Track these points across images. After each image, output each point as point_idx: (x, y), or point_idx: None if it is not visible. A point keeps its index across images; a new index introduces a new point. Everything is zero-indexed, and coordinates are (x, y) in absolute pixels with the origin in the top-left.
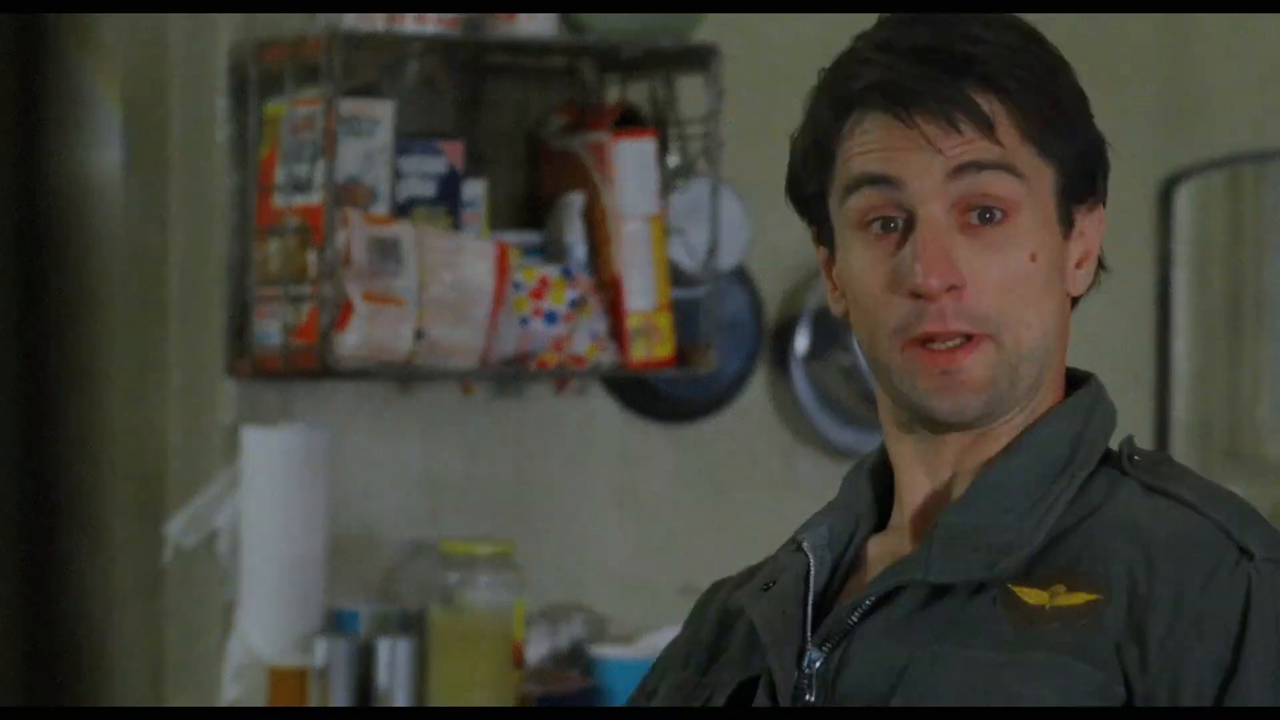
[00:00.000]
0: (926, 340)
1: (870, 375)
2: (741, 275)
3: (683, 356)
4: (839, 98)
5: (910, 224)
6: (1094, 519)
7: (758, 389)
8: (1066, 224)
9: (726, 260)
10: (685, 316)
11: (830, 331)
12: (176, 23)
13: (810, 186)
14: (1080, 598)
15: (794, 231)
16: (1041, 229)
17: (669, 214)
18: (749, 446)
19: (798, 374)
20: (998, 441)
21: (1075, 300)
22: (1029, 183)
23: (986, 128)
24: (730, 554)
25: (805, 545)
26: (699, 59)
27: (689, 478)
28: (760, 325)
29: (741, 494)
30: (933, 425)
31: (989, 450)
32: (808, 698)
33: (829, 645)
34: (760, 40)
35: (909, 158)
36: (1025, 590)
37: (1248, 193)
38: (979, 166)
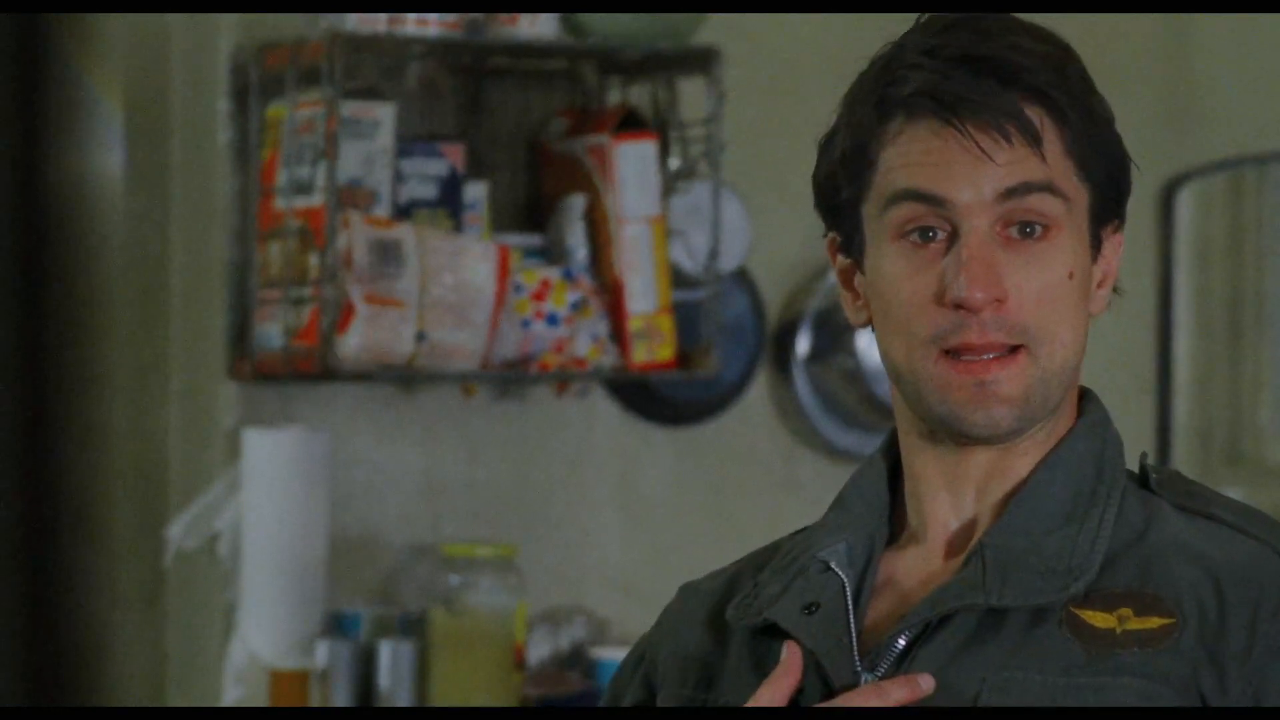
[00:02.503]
0: (961, 351)
1: (895, 386)
2: (743, 277)
3: (684, 359)
4: (884, 103)
5: (953, 235)
6: (1144, 541)
7: (759, 391)
8: (1095, 245)
9: (728, 262)
10: (686, 319)
11: (831, 334)
12: (178, 25)
13: (844, 194)
14: (1155, 621)
15: (795, 234)
16: (1078, 247)
17: (670, 216)
18: (750, 449)
19: (799, 376)
20: (1021, 459)
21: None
22: (1070, 203)
23: (1035, 141)
24: (731, 556)
25: (833, 565)
26: (700, 61)
27: (690, 480)
28: (761, 328)
29: (742, 496)
30: (960, 439)
31: (1014, 468)
32: None
33: (879, 670)
34: (761, 43)
35: (956, 170)
36: (1089, 614)
37: (1249, 195)
38: (1028, 189)
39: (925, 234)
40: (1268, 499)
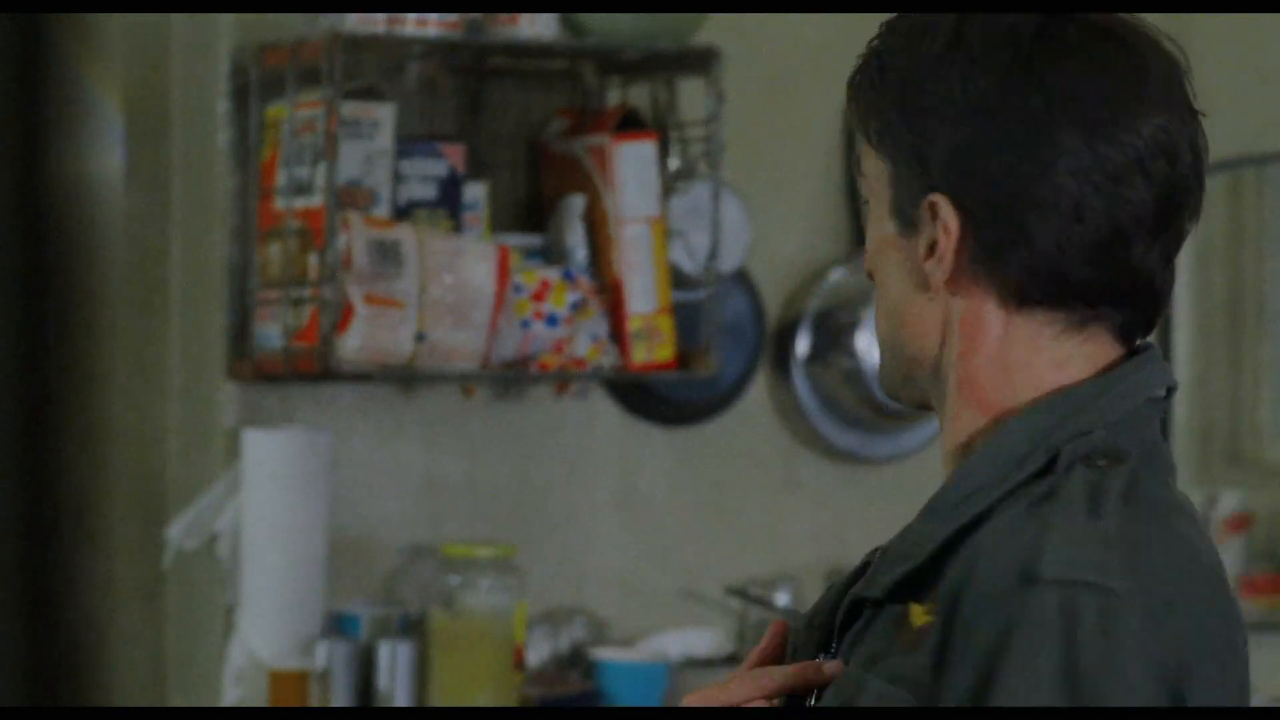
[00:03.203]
0: None
1: None
2: (742, 278)
3: (683, 359)
4: None
5: None
6: (980, 533)
7: (758, 392)
8: (902, 220)
9: (727, 263)
10: (686, 319)
11: (831, 334)
12: (178, 26)
13: None
14: (926, 620)
15: (794, 234)
16: (879, 223)
17: (670, 217)
18: (750, 449)
19: (798, 377)
20: (953, 435)
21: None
22: (867, 180)
23: (858, 127)
24: (731, 557)
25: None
26: (700, 62)
27: (690, 481)
28: (761, 328)
29: (742, 497)
30: None
31: (951, 446)
32: (811, 700)
33: (831, 650)
34: (761, 43)
35: None
36: (915, 607)
37: (1248, 196)
38: (856, 166)
39: None
40: (1268, 499)
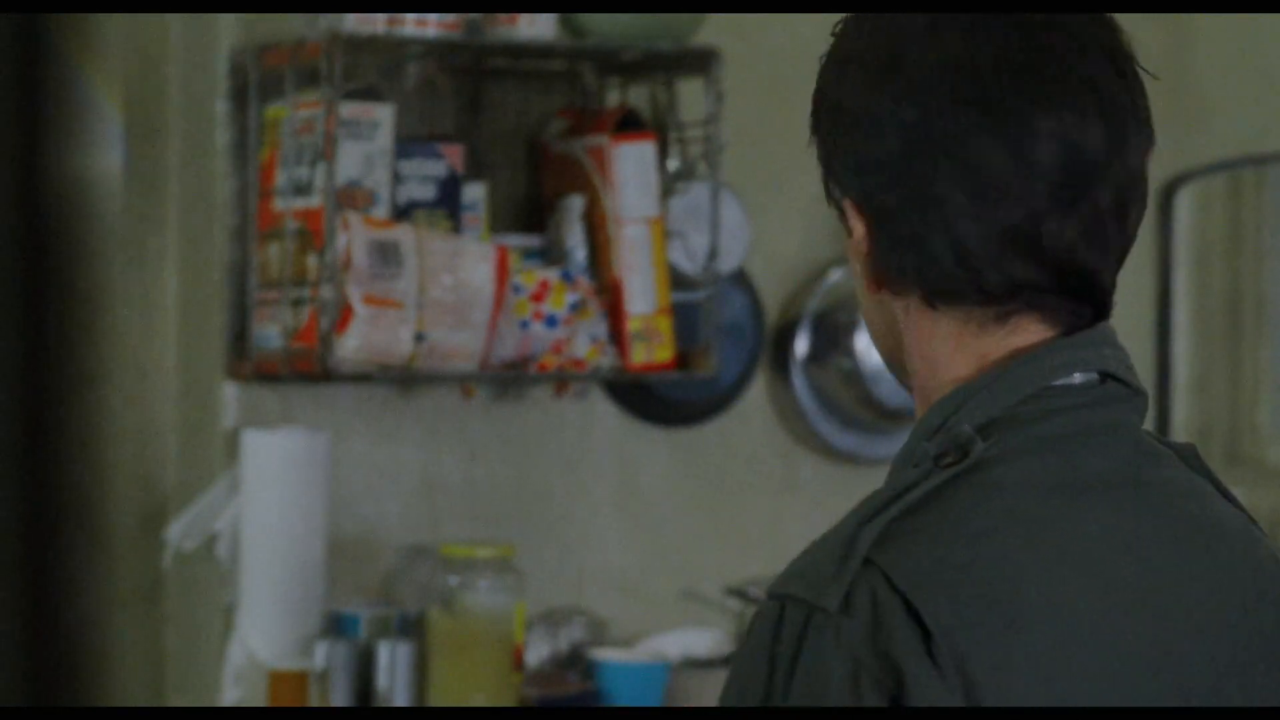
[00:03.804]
0: None
1: None
2: (742, 279)
3: (683, 360)
4: None
5: None
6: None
7: (758, 392)
8: (841, 217)
9: (727, 263)
10: (685, 320)
11: (830, 335)
12: (177, 26)
13: None
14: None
15: (794, 235)
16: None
17: (669, 217)
18: (749, 450)
19: (798, 377)
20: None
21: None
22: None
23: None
24: (730, 557)
25: None
26: (699, 62)
27: (689, 481)
28: (760, 329)
29: (741, 497)
30: None
31: None
32: None
33: None
34: (760, 43)
35: None
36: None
37: (1248, 196)
38: None
39: None
40: (1267, 499)
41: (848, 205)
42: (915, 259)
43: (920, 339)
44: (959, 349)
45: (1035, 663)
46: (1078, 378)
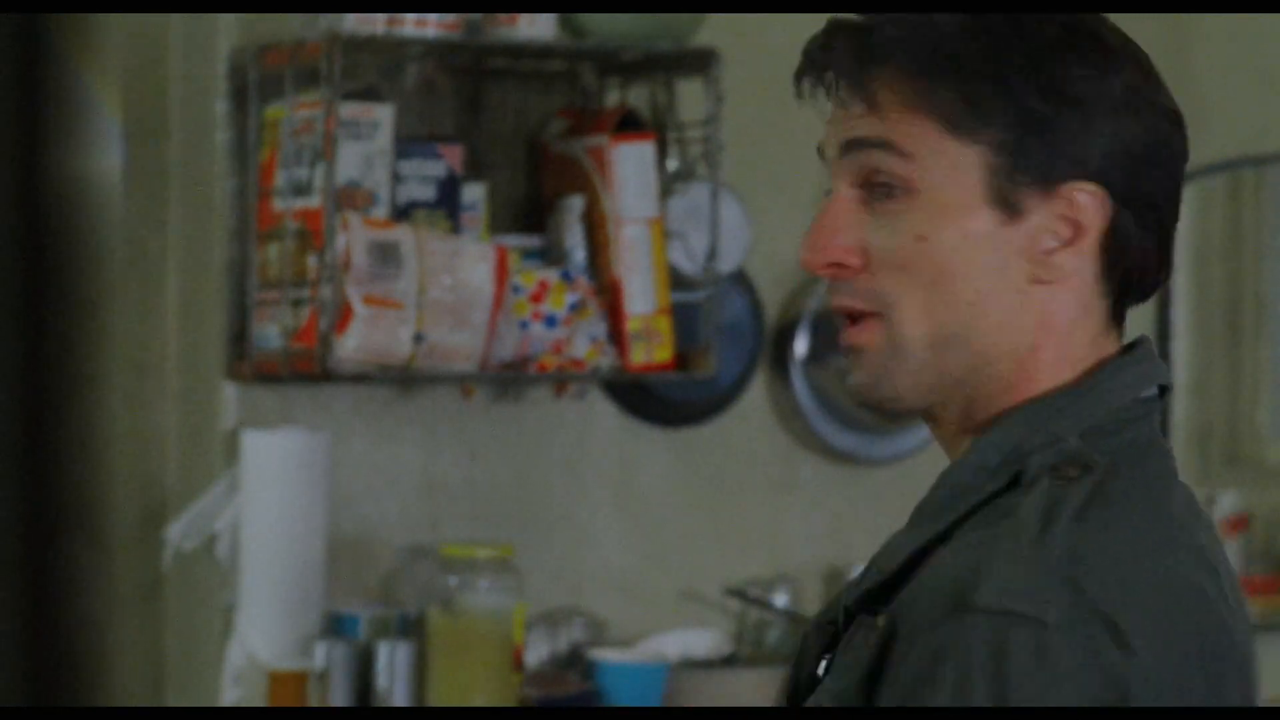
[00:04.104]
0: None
1: None
2: (741, 279)
3: (682, 360)
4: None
5: None
6: (945, 547)
7: (757, 393)
8: (1005, 208)
9: (726, 264)
10: (685, 320)
11: (830, 335)
12: (176, 26)
13: None
14: (871, 640)
15: (793, 235)
16: (945, 212)
17: (668, 217)
18: (748, 450)
19: (797, 378)
20: (955, 441)
21: (1137, 295)
22: (921, 162)
23: (866, 101)
24: (730, 558)
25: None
26: (698, 63)
27: (688, 481)
28: (760, 329)
29: (741, 497)
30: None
31: (952, 452)
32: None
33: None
34: (760, 44)
35: (827, 128)
36: (876, 620)
37: (1247, 197)
38: (859, 144)
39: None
40: (1266, 499)
41: (1094, 191)
42: (1155, 246)
43: (1067, 334)
44: (1093, 345)
45: (1207, 673)
46: (1152, 390)
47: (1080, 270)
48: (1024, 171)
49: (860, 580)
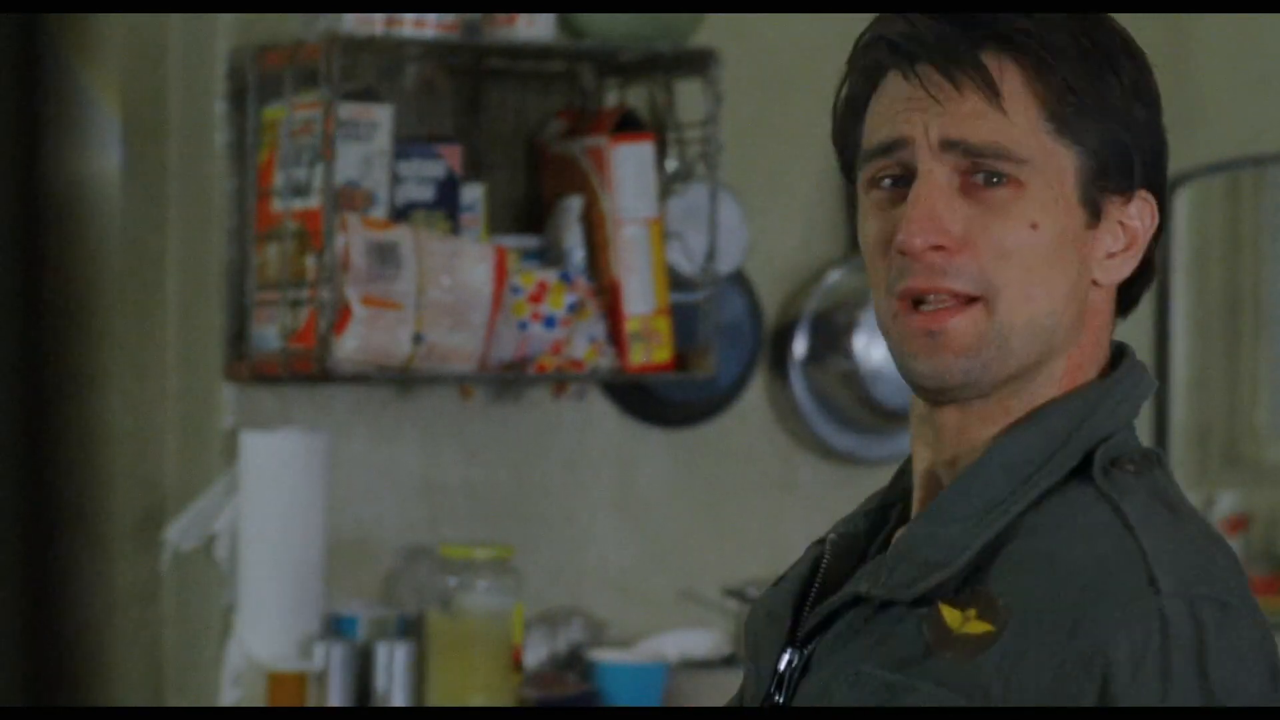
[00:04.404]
0: (919, 301)
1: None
2: (740, 279)
3: (681, 360)
4: (856, 60)
5: (910, 180)
6: (1032, 535)
7: (756, 393)
8: (1092, 210)
9: (725, 264)
10: (684, 320)
11: (829, 336)
12: (175, 27)
13: (845, 156)
14: (981, 628)
15: (792, 235)
16: (1051, 204)
17: (667, 218)
18: (747, 450)
19: (796, 378)
20: (986, 427)
21: (1132, 293)
22: (1032, 165)
23: (990, 90)
24: (729, 558)
25: (830, 538)
26: (697, 63)
27: (687, 482)
28: (759, 329)
29: (740, 498)
30: (925, 395)
31: (977, 437)
32: (776, 698)
33: (805, 646)
34: (759, 44)
35: (912, 115)
36: (949, 611)
37: (1246, 197)
38: (976, 149)
39: (895, 182)
40: (1265, 500)
41: (1148, 199)
42: (1158, 240)
43: (1100, 331)
44: (1105, 349)
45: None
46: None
47: (1146, 268)
48: (1108, 178)
49: (893, 573)
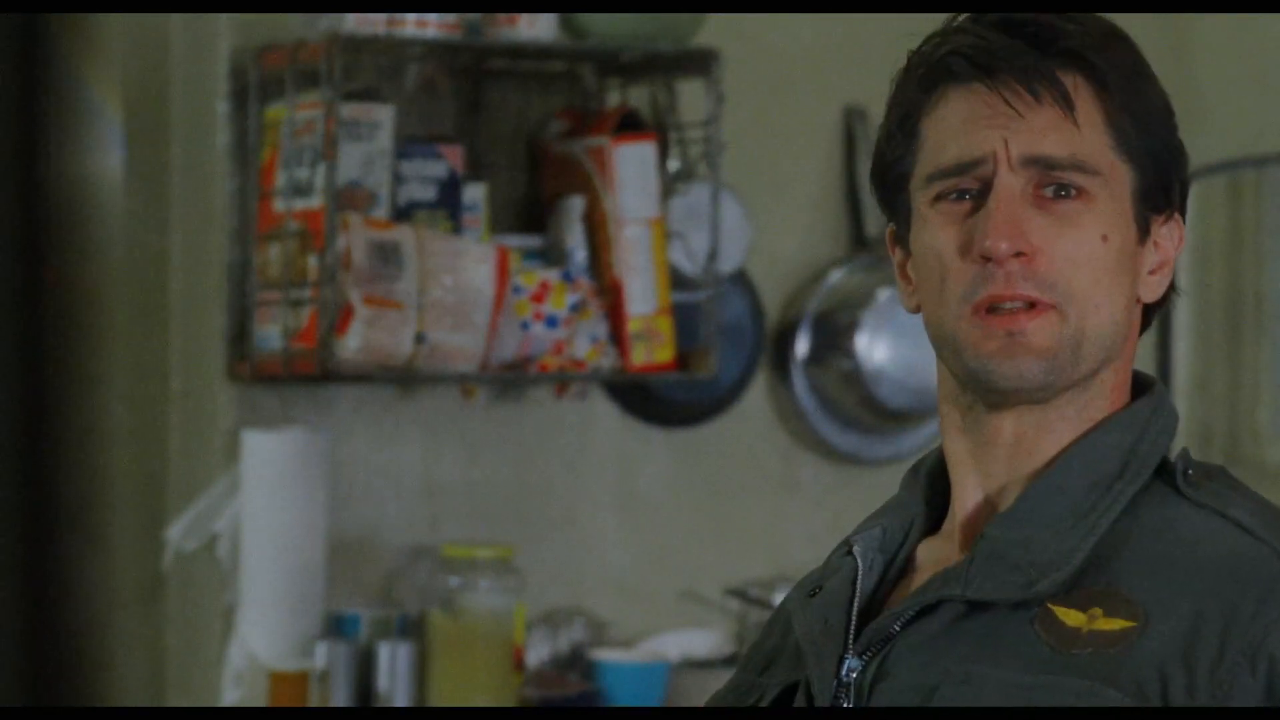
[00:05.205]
0: (993, 306)
1: (938, 358)
2: (742, 279)
3: (683, 361)
4: (925, 70)
5: (985, 192)
6: (1141, 539)
7: (758, 393)
8: (1142, 228)
9: (727, 264)
10: (685, 320)
11: (830, 336)
12: (177, 27)
13: (896, 169)
14: (1116, 624)
15: (794, 235)
16: (1117, 218)
17: (669, 218)
18: (749, 451)
19: (798, 378)
20: (1049, 435)
21: (1150, 312)
22: (1103, 178)
23: (1066, 103)
24: (730, 558)
25: (855, 549)
26: (699, 63)
27: (689, 482)
28: (760, 329)
29: (741, 498)
30: (990, 396)
31: (1041, 445)
32: (844, 706)
33: (869, 654)
34: (760, 44)
35: (985, 127)
36: (1064, 611)
37: (1247, 197)
38: (1052, 164)
39: (962, 194)
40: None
41: (1178, 219)
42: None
43: (1134, 349)
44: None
45: None
46: None
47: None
48: (1155, 197)
49: (987, 578)
